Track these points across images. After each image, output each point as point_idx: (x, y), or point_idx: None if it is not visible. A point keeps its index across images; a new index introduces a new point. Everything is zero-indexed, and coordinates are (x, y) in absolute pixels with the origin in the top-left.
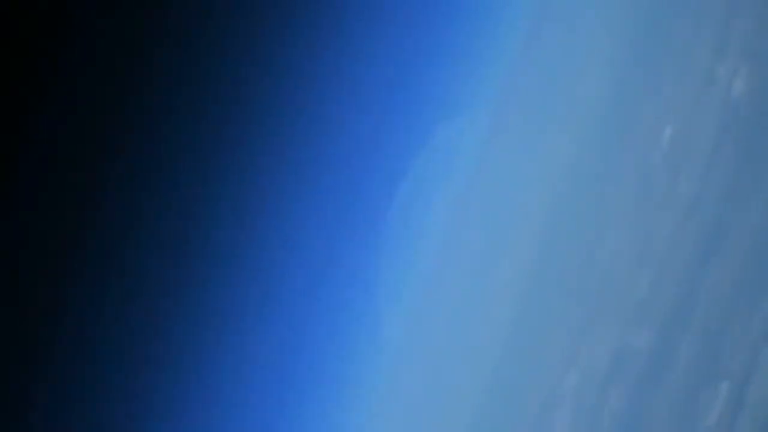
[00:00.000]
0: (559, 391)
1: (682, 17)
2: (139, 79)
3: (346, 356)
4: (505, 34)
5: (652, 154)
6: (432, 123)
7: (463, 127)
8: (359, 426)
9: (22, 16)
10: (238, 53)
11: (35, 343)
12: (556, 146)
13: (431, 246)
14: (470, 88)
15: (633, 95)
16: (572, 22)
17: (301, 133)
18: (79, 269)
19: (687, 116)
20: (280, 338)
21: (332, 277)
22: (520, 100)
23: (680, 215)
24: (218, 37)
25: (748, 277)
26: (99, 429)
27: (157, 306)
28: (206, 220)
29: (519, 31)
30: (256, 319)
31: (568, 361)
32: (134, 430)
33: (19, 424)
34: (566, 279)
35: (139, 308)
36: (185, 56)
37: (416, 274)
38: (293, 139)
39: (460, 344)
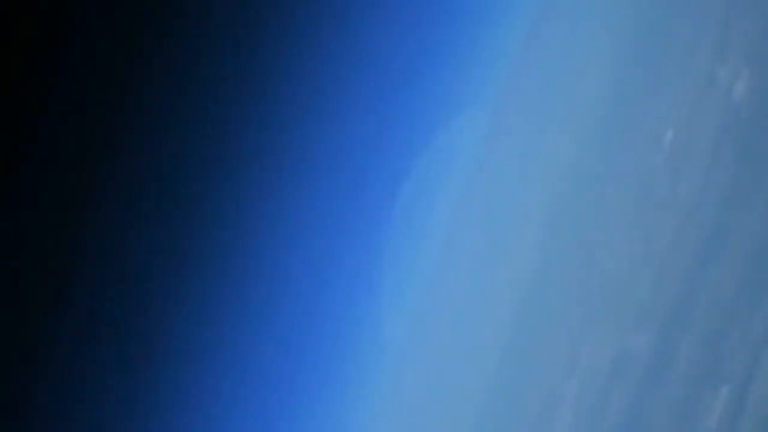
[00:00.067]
0: (560, 392)
1: (683, 19)
2: (139, 79)
3: (349, 356)
4: (506, 34)
5: (653, 155)
6: (433, 123)
7: (464, 128)
8: (361, 426)
9: (22, 16)
10: (239, 53)
11: (35, 343)
12: (557, 147)
13: (433, 247)
14: (471, 89)
15: (634, 96)
16: (573, 23)
17: (302, 133)
18: (80, 269)
19: (688, 118)
20: (283, 338)
21: (334, 277)
22: (521, 100)
23: (681, 217)
24: (219, 36)
25: (748, 279)
26: (99, 429)
27: (159, 306)
28: (208, 221)
29: (520, 31)
30: (258, 319)
31: (568, 363)
32: (135, 430)
33: (19, 424)
34: (567, 280)
35: (140, 309)
36: (186, 56)
37: (418, 274)
38: (295, 139)
39: (461, 345)
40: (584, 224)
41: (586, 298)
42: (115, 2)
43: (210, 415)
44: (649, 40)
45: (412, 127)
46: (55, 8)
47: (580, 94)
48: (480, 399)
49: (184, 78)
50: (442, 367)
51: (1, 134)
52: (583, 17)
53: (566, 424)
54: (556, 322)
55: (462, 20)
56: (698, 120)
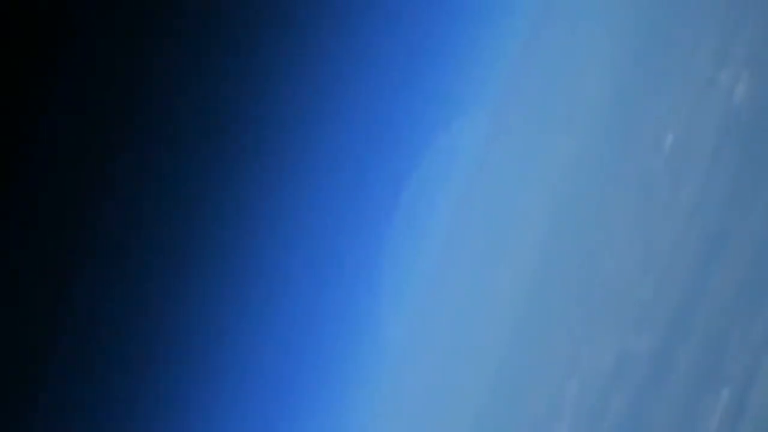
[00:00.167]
0: (561, 394)
1: (683, 22)
2: (139, 79)
3: (350, 357)
4: (507, 36)
5: (654, 159)
6: (434, 125)
7: (464, 129)
8: (362, 426)
9: (22, 16)
10: (240, 53)
11: (35, 344)
12: (558, 148)
13: (434, 247)
14: (472, 90)
15: (635, 100)
16: (574, 25)
17: (304, 134)
18: (81, 269)
19: (689, 121)
20: (284, 338)
21: (336, 278)
22: (522, 102)
23: (682, 220)
24: (222, 38)
25: (749, 282)
26: (99, 429)
27: (160, 307)
28: (210, 222)
29: (520, 33)
30: (260, 320)
31: (569, 365)
32: (135, 430)
33: (19, 424)
34: (568, 281)
35: (142, 310)
36: (187, 56)
37: (419, 274)
38: (296, 139)
39: (462, 346)
40: (585, 225)
41: (586, 300)
42: (115, 2)
43: (211, 414)
44: (650, 43)
45: (412, 127)
46: (55, 8)
47: (580, 96)
48: (480, 399)
49: (184, 78)
50: (442, 367)
51: (1, 134)
52: (583, 19)
53: (567, 424)
54: (557, 323)
55: (463, 22)
56: (699, 122)
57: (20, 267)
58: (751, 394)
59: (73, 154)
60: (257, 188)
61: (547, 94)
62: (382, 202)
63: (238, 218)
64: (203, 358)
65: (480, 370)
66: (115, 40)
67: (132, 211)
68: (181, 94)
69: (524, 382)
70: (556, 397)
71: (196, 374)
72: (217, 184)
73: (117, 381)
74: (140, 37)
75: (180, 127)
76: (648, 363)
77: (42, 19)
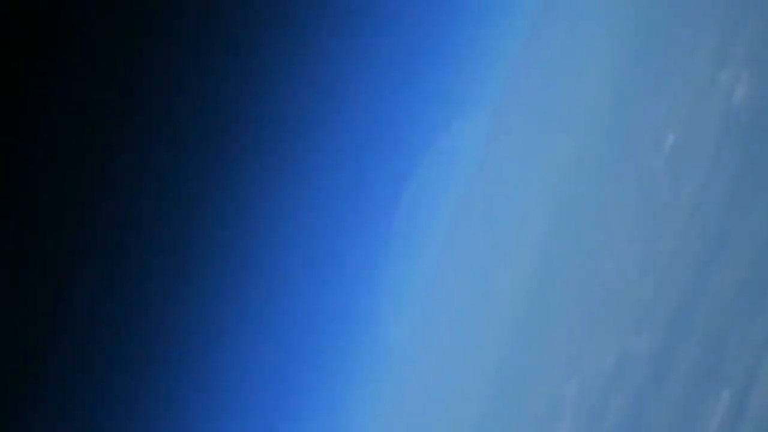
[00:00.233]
0: (561, 394)
1: (683, 22)
2: (139, 79)
3: (351, 357)
4: (507, 38)
5: (655, 159)
6: (435, 125)
7: (465, 130)
8: (363, 426)
9: (22, 16)
10: (241, 57)
11: (35, 344)
12: (559, 150)
13: (435, 248)
14: (473, 91)
15: (635, 100)
16: (574, 27)
17: (305, 135)
18: (81, 269)
19: (689, 122)
20: (285, 338)
21: (337, 279)
22: (522, 103)
23: (682, 220)
24: (222, 38)
25: (749, 283)
26: (99, 429)
27: (161, 307)
28: (211, 222)
29: (520, 35)
30: (261, 320)
31: (569, 365)
32: (136, 430)
33: (20, 424)
34: (568, 282)
35: (143, 310)
36: (188, 56)
37: (420, 275)
38: (298, 141)
39: (463, 346)
40: (585, 226)
41: (586, 300)
42: (115, 2)
43: (212, 414)
44: (650, 43)
45: (413, 128)
46: (55, 8)
47: (580, 96)
48: (481, 399)
49: (184, 78)
50: (443, 367)
51: (1, 134)
52: (583, 20)
53: (567, 424)
54: (557, 324)
55: (463, 22)
56: (699, 123)
57: (20, 267)
58: (751, 395)
59: (73, 154)
60: (258, 189)
61: (547, 94)
62: (383, 202)
63: (239, 218)
64: (204, 358)
65: (480, 370)
66: (115, 40)
67: (132, 211)
68: (182, 94)
69: (525, 382)
70: (556, 397)
71: (197, 374)
72: (218, 184)
73: (117, 381)
74: (140, 37)
75: (181, 127)
76: (648, 363)
77: (42, 19)
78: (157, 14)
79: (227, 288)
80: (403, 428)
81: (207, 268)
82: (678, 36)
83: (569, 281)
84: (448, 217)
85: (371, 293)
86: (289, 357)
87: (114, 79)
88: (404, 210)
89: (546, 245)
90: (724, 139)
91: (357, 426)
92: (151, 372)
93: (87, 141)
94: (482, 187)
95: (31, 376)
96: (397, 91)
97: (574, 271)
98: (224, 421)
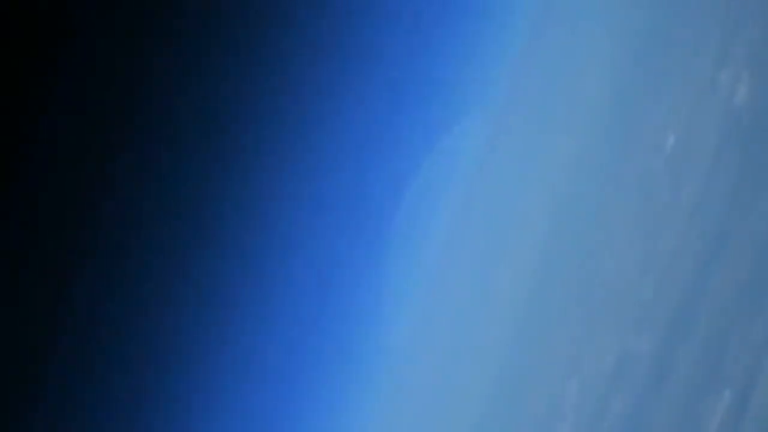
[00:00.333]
0: (561, 395)
1: (684, 22)
2: (140, 79)
3: (351, 358)
4: (508, 38)
5: (655, 160)
6: (436, 127)
7: (466, 131)
8: (363, 426)
9: (22, 16)
10: (242, 57)
11: (35, 344)
12: (559, 150)
13: (436, 249)
14: (474, 92)
15: (636, 101)
16: (575, 28)
17: (306, 136)
18: (81, 269)
19: (689, 122)
20: (286, 339)
21: (338, 280)
22: (523, 103)
23: (682, 220)
24: (222, 38)
25: (750, 283)
26: (100, 429)
27: (162, 308)
28: (211, 223)
29: (522, 36)
30: (261, 320)
31: (570, 366)
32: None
33: (20, 424)
34: (569, 283)
35: (143, 310)
36: (188, 56)
37: (421, 276)
38: (298, 142)
39: (463, 346)
40: (586, 226)
41: (587, 300)
42: (115, 2)
43: (213, 415)
44: (650, 44)
45: (414, 129)
46: (55, 8)
47: (581, 96)
48: (481, 400)
49: (185, 78)
50: (443, 367)
51: (1, 134)
52: (584, 21)
53: (567, 425)
54: (558, 324)
55: (464, 23)
56: (699, 124)
57: (20, 267)
58: (752, 395)
59: (73, 154)
60: (259, 189)
61: (547, 95)
62: (384, 202)
63: (240, 219)
64: (204, 358)
65: (481, 370)
66: (115, 40)
67: (132, 211)
68: (182, 94)
69: (525, 383)
70: (556, 398)
71: (197, 374)
72: (219, 183)
73: (117, 381)
74: (140, 37)
75: (181, 127)
76: (649, 363)
77: (42, 19)
78: (157, 14)
79: (227, 288)
80: (403, 428)
81: (207, 268)
82: (678, 36)
83: (569, 281)
84: (449, 218)
85: (372, 293)
86: (290, 357)
87: (114, 79)
88: (405, 210)
89: (546, 245)
90: (725, 139)
91: (358, 426)
92: (151, 372)
93: (87, 141)
94: (483, 187)
95: (31, 376)
96: (398, 92)
97: (574, 271)
98: (224, 421)
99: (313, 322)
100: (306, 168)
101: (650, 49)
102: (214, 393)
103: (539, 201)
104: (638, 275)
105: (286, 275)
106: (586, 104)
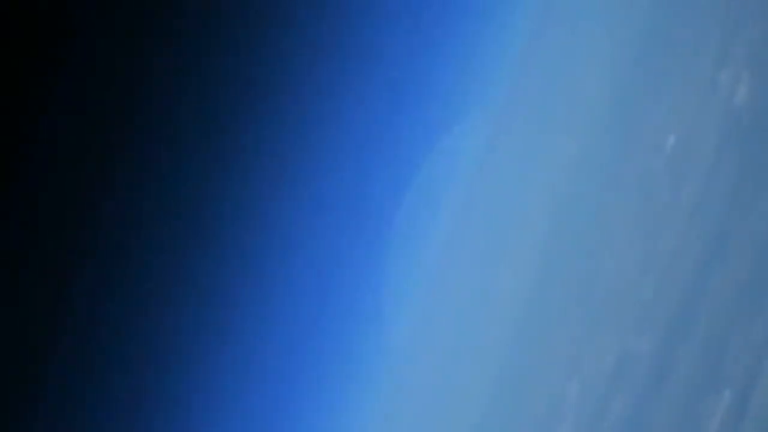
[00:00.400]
0: (562, 395)
1: (684, 23)
2: (142, 79)
3: (352, 358)
4: (509, 39)
5: (655, 160)
6: (437, 128)
7: (467, 131)
8: (364, 426)
9: (22, 16)
10: (242, 57)
11: (35, 344)
12: (559, 150)
13: (436, 249)
14: (474, 92)
15: (636, 102)
16: (575, 29)
17: (306, 137)
18: (81, 269)
19: (690, 123)
20: (287, 339)
21: (338, 280)
22: (524, 104)
23: (683, 221)
24: (223, 39)
25: (749, 283)
26: (100, 429)
27: (163, 308)
28: (212, 223)
29: (522, 36)
30: (262, 320)
31: (570, 366)
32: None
33: (20, 424)
34: (569, 283)
35: (144, 310)
36: (188, 56)
37: (421, 276)
38: (299, 143)
39: (464, 347)
40: (586, 226)
41: (587, 300)
42: (115, 2)
43: (214, 415)
44: (651, 44)
45: (414, 129)
46: (55, 8)
47: (581, 97)
48: (482, 400)
49: (185, 78)
50: (444, 368)
51: (1, 134)
52: (584, 21)
53: (568, 425)
54: (558, 324)
55: (464, 24)
56: (700, 125)
57: (20, 267)
58: (752, 395)
59: (73, 154)
60: (260, 189)
61: (548, 95)
62: (385, 202)
63: (240, 219)
64: (205, 358)
65: (482, 371)
66: (115, 40)
67: (133, 211)
68: (183, 94)
69: (525, 383)
70: (557, 398)
71: (198, 374)
72: (218, 184)
73: (117, 381)
74: (140, 37)
75: (181, 127)
76: (649, 363)
77: (42, 19)
78: (157, 14)
79: (228, 287)
80: (404, 428)
81: (207, 268)
82: (678, 36)
83: (569, 281)
84: (449, 218)
85: (373, 294)
86: (291, 357)
87: (114, 79)
88: (406, 210)
89: (546, 245)
90: (725, 139)
91: (358, 426)
92: (151, 372)
93: (87, 141)
94: (483, 187)
95: (31, 376)
96: (398, 93)
97: (574, 272)
98: (225, 421)
99: (313, 322)
100: (306, 168)
101: (650, 49)
102: (214, 393)
103: (539, 201)
104: (638, 275)
105: (286, 275)
106: (586, 104)
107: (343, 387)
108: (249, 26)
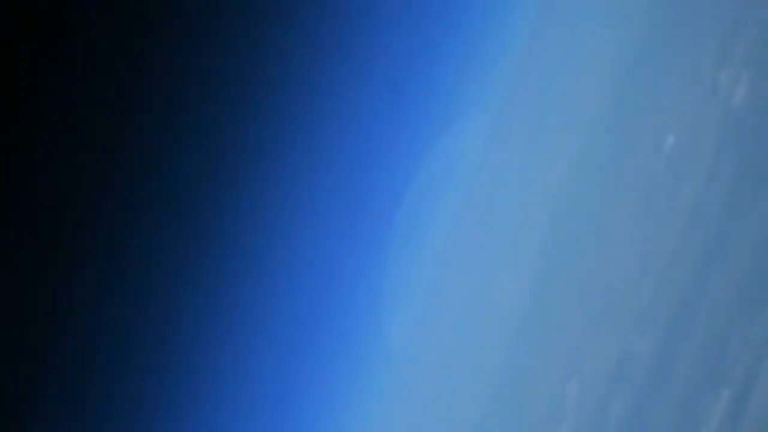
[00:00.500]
0: (562, 395)
1: (684, 23)
2: (142, 79)
3: (351, 359)
4: (509, 38)
5: (655, 160)
6: (436, 128)
7: (466, 133)
8: (363, 427)
9: (22, 16)
10: (242, 57)
11: (36, 344)
12: (559, 150)
13: (436, 249)
14: (474, 92)
15: (636, 101)
16: (574, 29)
17: (305, 137)
18: (81, 269)
19: (689, 123)
20: (286, 340)
21: (338, 280)
22: (524, 104)
23: (682, 223)
24: (222, 38)
25: (749, 283)
26: (100, 429)
27: (162, 308)
28: (211, 223)
29: (521, 37)
30: (261, 321)
31: (570, 366)
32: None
33: (20, 424)
34: (569, 283)
35: (143, 310)
36: (188, 56)
37: (421, 276)
38: (298, 143)
39: (463, 349)
40: (586, 226)
41: (587, 301)
42: (115, 2)
43: (212, 415)
44: (651, 44)
45: (414, 129)
46: (55, 8)
47: (581, 97)
48: (482, 400)
49: (185, 78)
50: (444, 368)
51: (1, 134)
52: (584, 21)
53: (568, 425)
54: (558, 324)
55: (464, 23)
56: (699, 125)
57: (20, 267)
58: (751, 395)
59: (73, 154)
60: (259, 190)
61: (548, 95)
62: (384, 203)
63: (240, 219)
64: (205, 358)
65: (481, 371)
66: (115, 40)
67: (132, 211)
68: (182, 94)
69: (525, 383)
70: (557, 399)
71: (197, 375)
72: (218, 184)
73: (117, 381)
74: (140, 37)
75: (181, 127)
76: (649, 364)
77: (42, 19)
78: (157, 14)
79: (227, 287)
80: (403, 428)
81: (207, 268)
82: (678, 36)
83: (569, 281)
84: (449, 218)
85: (372, 294)
86: (289, 357)
87: (114, 79)
88: (405, 210)
89: (546, 245)
90: (725, 139)
91: (358, 426)
92: (151, 372)
93: (87, 141)
94: (483, 187)
95: (31, 376)
96: (398, 92)
97: (575, 272)
98: (224, 421)
99: (312, 322)
100: (305, 168)
101: (650, 49)
102: (214, 393)
103: (539, 201)
104: (638, 275)
105: (285, 275)
106: (586, 104)
107: (342, 387)
108: (249, 26)
